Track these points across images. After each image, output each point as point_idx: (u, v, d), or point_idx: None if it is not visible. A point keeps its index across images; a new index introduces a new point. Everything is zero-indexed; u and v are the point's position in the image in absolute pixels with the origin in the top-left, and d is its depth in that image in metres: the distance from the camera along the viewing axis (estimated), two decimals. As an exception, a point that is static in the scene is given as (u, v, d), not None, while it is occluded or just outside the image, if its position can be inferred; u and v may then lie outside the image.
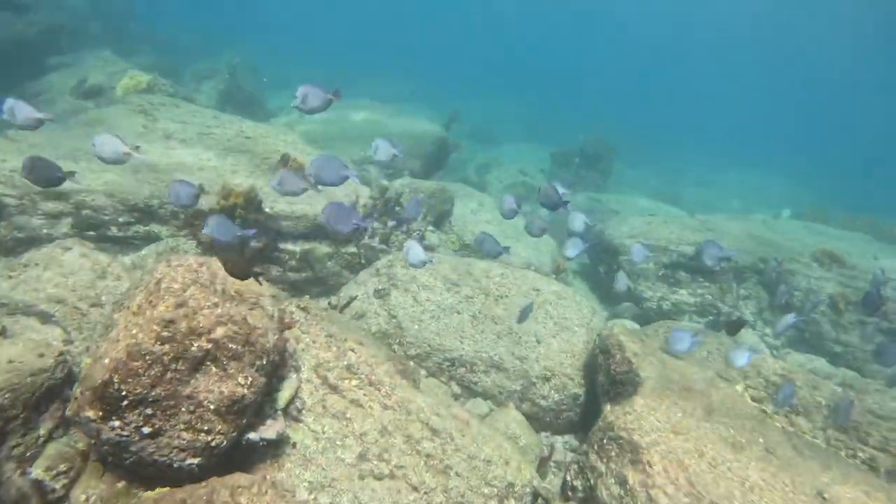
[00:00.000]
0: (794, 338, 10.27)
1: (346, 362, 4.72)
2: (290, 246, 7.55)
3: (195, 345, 3.07)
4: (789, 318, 6.62)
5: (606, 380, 6.31)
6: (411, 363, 6.40)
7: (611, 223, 12.19)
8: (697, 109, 42.55)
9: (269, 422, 3.63)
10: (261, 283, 3.72)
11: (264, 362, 3.52)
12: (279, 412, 3.87)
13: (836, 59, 57.10)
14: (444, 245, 9.99)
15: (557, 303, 7.66)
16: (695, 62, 59.86)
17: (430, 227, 10.20)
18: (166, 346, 2.96)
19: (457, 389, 6.56)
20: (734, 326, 7.10)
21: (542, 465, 5.92)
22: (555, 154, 20.09)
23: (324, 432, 4.15)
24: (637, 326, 9.63)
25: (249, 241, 6.70)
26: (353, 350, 4.88)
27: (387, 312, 6.90)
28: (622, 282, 7.60)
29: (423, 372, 6.53)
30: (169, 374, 2.95)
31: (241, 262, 3.49)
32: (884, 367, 6.17)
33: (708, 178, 27.61)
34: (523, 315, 6.34)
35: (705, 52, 61.65)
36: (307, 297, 5.93)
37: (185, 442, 2.96)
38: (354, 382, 4.66)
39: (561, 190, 6.14)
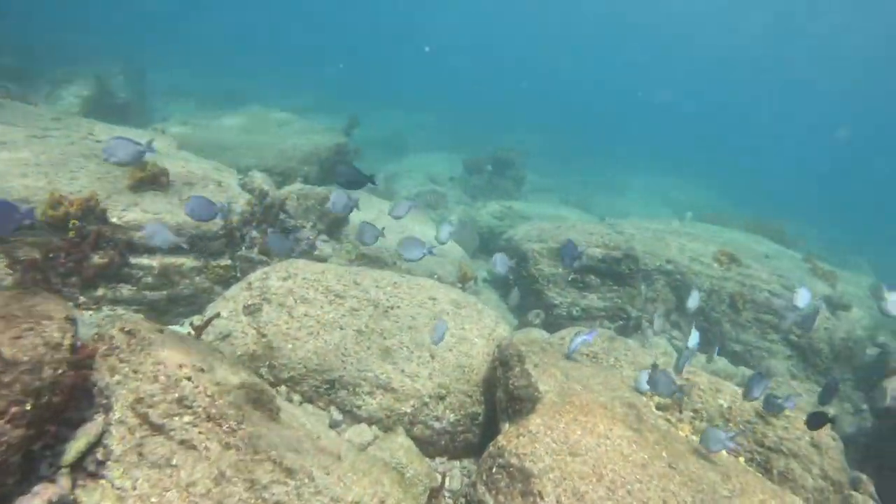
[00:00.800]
0: (700, 339, 10.13)
1: (177, 394, 3.87)
2: (144, 260, 6.56)
3: None
4: (687, 354, 6.24)
5: (505, 396, 5.72)
6: (277, 389, 5.58)
7: (519, 229, 11.79)
8: (607, 120, 43.64)
9: (39, 487, 2.76)
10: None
11: (27, 408, 2.66)
12: (64, 470, 3.00)
13: (740, 75, 60.43)
14: (337, 254, 9.20)
15: (456, 312, 7.05)
16: (608, 73, 61.74)
17: (323, 236, 9.40)
18: None
19: (337, 416, 5.78)
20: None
21: (433, 498, 5.24)
22: (467, 162, 19.71)
23: (135, 488, 3.29)
24: (546, 334, 9.20)
25: None
26: (189, 378, 4.03)
27: (256, 331, 6.05)
28: (513, 297, 7.06)
29: (296, 398, 5.72)
30: None
31: None
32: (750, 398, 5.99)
33: (618, 186, 28.11)
34: (438, 336, 5.71)
35: (619, 63, 63.77)
36: (141, 316, 5.01)
37: None
38: (187, 419, 3.82)
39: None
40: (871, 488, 6.78)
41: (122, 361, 3.89)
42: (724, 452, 5.52)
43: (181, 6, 45.12)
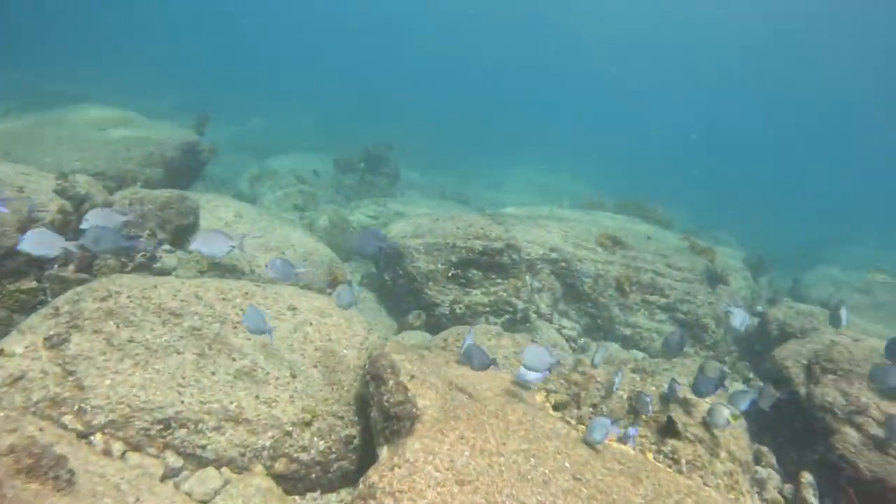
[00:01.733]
0: (589, 325, 9.83)
1: None
2: None
3: None
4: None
5: (380, 415, 4.85)
6: (90, 439, 4.35)
7: (394, 225, 10.96)
8: (482, 115, 43.90)
9: None
10: None
11: None
12: None
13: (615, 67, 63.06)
14: (184, 266, 7.91)
15: (321, 322, 6.09)
16: (481, 69, 62.35)
17: (167, 246, 8.05)
18: None
19: (175, 462, 4.63)
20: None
21: (300, 550, 4.27)
22: (338, 161, 18.62)
23: None
24: (429, 337, 8.45)
25: None
26: (-85, 452, 2.81)
27: (60, 368, 4.75)
28: (343, 296, 5.88)
29: (116, 447, 4.51)
30: None
31: None
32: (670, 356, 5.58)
33: (498, 180, 28.07)
34: (253, 324, 4.73)
35: (491, 58, 64.52)
36: None
37: None
38: None
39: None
40: (773, 459, 6.62)
41: None
42: (630, 450, 4.99)
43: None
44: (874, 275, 13.16)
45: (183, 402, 4.80)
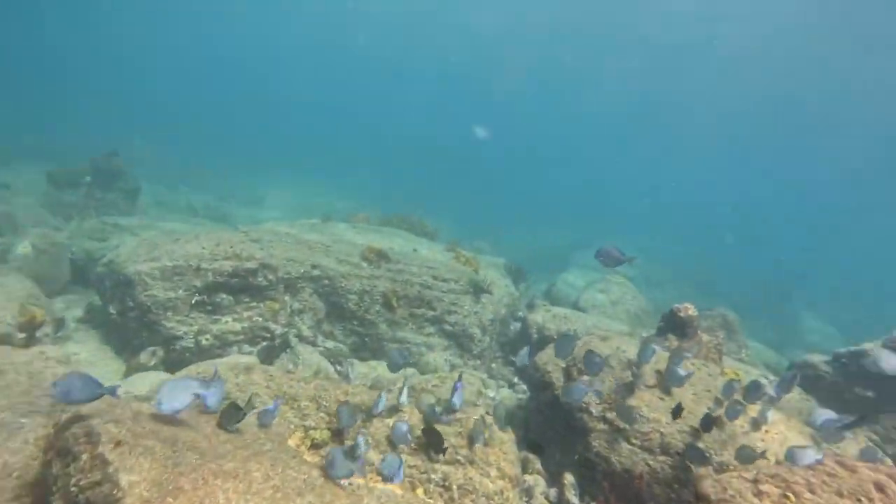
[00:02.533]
0: (356, 344, 9.17)
1: None
2: None
3: None
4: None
5: (67, 505, 3.56)
6: None
7: (124, 247, 9.19)
8: (249, 129, 41.52)
9: None
10: None
11: None
12: None
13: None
14: None
15: (-7, 380, 4.51)
16: (245, 76, 59.15)
17: None
18: None
19: None
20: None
21: None
22: (53, 173, 15.57)
23: None
24: (167, 378, 7.05)
25: None
26: None
27: None
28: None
29: None
30: None
31: None
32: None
33: (259, 196, 26.44)
34: None
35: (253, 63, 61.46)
36: None
37: None
38: None
39: None
40: (538, 465, 6.56)
41: None
42: (398, 489, 4.37)
43: None
44: (609, 277, 14.62)
45: None
